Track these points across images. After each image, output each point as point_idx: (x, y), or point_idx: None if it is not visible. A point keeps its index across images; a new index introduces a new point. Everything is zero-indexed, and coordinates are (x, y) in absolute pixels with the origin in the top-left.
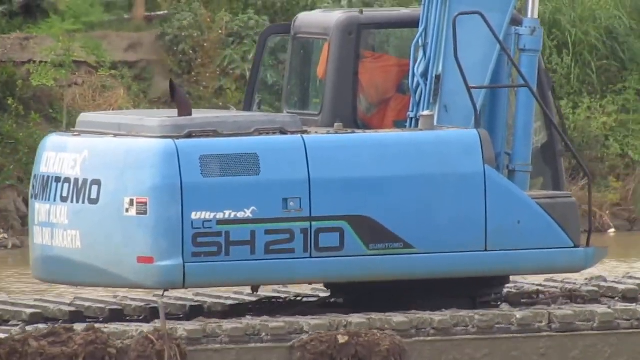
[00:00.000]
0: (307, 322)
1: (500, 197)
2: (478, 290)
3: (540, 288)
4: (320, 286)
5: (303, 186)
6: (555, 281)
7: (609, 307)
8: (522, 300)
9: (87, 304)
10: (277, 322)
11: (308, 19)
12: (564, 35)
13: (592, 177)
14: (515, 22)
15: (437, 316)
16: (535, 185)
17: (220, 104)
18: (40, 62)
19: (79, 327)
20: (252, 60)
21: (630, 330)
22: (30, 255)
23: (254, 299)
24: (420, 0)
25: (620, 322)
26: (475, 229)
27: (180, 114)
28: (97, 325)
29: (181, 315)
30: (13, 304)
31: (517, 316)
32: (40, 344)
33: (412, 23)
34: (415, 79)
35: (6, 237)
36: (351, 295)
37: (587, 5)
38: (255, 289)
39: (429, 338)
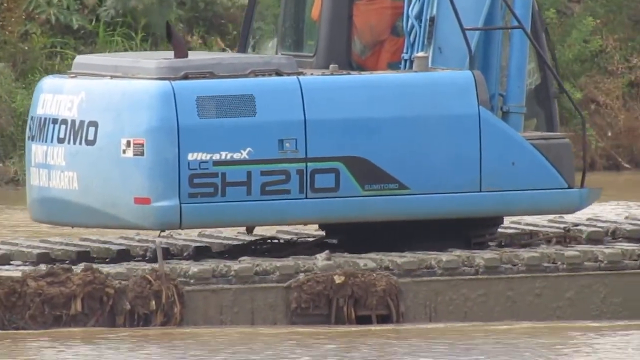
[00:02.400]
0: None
1: (494, 138)
2: (472, 231)
3: (535, 229)
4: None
5: (299, 127)
6: (552, 222)
7: (611, 247)
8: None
9: (94, 244)
10: (279, 263)
11: None
12: None
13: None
14: None
15: (443, 256)
16: (529, 127)
17: (27, 47)
18: None
19: (77, 267)
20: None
21: (625, 271)
22: (27, 197)
23: (252, 239)
24: None
25: (615, 263)
26: (469, 170)
27: (176, 56)
28: (95, 266)
29: (186, 255)
30: (15, 244)
31: (525, 256)
32: (38, 284)
33: None
34: (410, 21)
35: None
36: (346, 236)
37: None
38: (250, 229)
39: (425, 278)
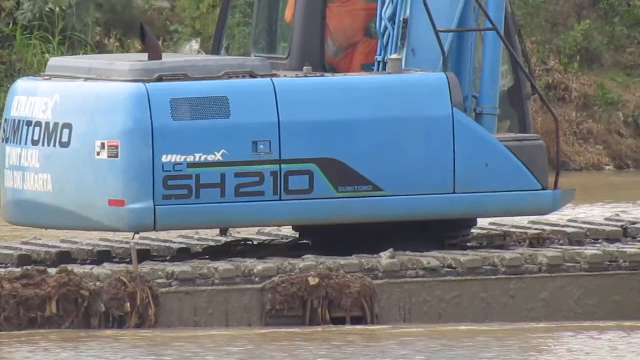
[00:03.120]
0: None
1: (468, 140)
2: (446, 232)
3: (508, 230)
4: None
5: (272, 129)
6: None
7: (588, 249)
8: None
9: (72, 245)
10: (249, 264)
11: None
12: None
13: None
14: None
15: (421, 257)
16: (502, 128)
17: None
18: None
19: (52, 269)
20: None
21: (598, 273)
22: (1, 199)
23: (227, 240)
24: None
25: (590, 265)
26: (443, 172)
27: (150, 58)
28: (70, 267)
29: (167, 257)
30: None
31: (507, 257)
32: (13, 286)
33: None
34: (383, 23)
35: None
36: (319, 237)
37: None
38: (224, 231)
39: (399, 280)
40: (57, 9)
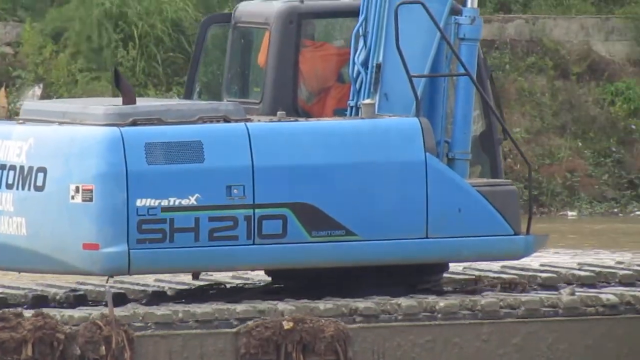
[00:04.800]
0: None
1: (441, 185)
2: (418, 277)
3: (479, 275)
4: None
5: (246, 174)
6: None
7: (553, 295)
8: (456, 288)
9: (49, 289)
10: (223, 307)
11: (249, 9)
12: (131, 28)
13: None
14: (454, 11)
15: (395, 302)
16: (474, 173)
17: None
18: None
19: (28, 312)
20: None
21: (571, 318)
22: None
23: (201, 284)
24: None
25: (563, 310)
26: (416, 217)
27: (124, 102)
28: (45, 311)
29: (143, 301)
30: None
31: (482, 302)
32: None
33: (352, 13)
34: (356, 68)
35: None
36: (292, 282)
37: None
38: (196, 275)
39: (371, 325)
40: None
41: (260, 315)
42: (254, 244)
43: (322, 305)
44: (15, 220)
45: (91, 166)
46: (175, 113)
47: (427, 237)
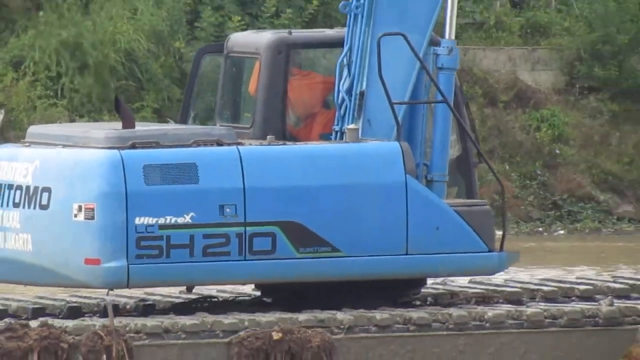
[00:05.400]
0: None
1: (420, 205)
2: (398, 290)
3: (456, 289)
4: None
5: (238, 194)
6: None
7: (527, 307)
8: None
9: (48, 301)
10: (217, 319)
11: (240, 39)
12: (86, 57)
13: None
14: (433, 42)
15: (378, 314)
16: (451, 194)
17: None
18: None
19: (34, 323)
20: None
21: (540, 330)
22: None
23: (193, 297)
24: (345, 22)
25: (533, 322)
26: (397, 234)
27: (124, 127)
28: (50, 321)
29: (135, 313)
30: None
31: (454, 315)
32: None
33: (337, 43)
34: (341, 95)
35: None
36: (280, 295)
37: (109, 30)
38: (189, 288)
39: (356, 335)
40: None
41: (250, 326)
42: (245, 259)
43: (304, 316)
44: (22, 237)
45: (93, 186)
46: (172, 137)
47: (407, 254)
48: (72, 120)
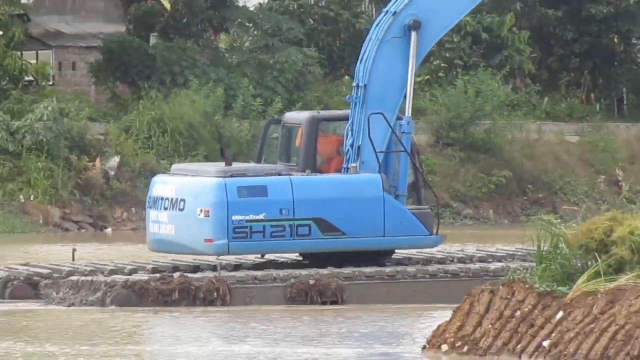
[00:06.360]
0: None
1: (392, 209)
2: (379, 257)
3: (410, 256)
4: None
5: (290, 202)
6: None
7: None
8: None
9: (180, 262)
10: (277, 272)
11: (290, 116)
12: (165, 126)
13: None
14: (398, 117)
15: (367, 270)
16: (408, 203)
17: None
18: None
19: (175, 274)
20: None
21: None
22: (147, 238)
23: (264, 260)
24: (349, 104)
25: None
26: (378, 225)
27: (226, 165)
28: (185, 274)
29: (230, 269)
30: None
31: (409, 270)
32: (156, 284)
33: (345, 118)
34: (347, 147)
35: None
36: (312, 259)
37: (178, 111)
38: (262, 255)
39: (355, 282)
40: None
41: (296, 277)
42: (293, 239)
43: (325, 271)
44: (169, 227)
45: (209, 198)
46: (253, 170)
47: (384, 236)
48: (158, 162)
